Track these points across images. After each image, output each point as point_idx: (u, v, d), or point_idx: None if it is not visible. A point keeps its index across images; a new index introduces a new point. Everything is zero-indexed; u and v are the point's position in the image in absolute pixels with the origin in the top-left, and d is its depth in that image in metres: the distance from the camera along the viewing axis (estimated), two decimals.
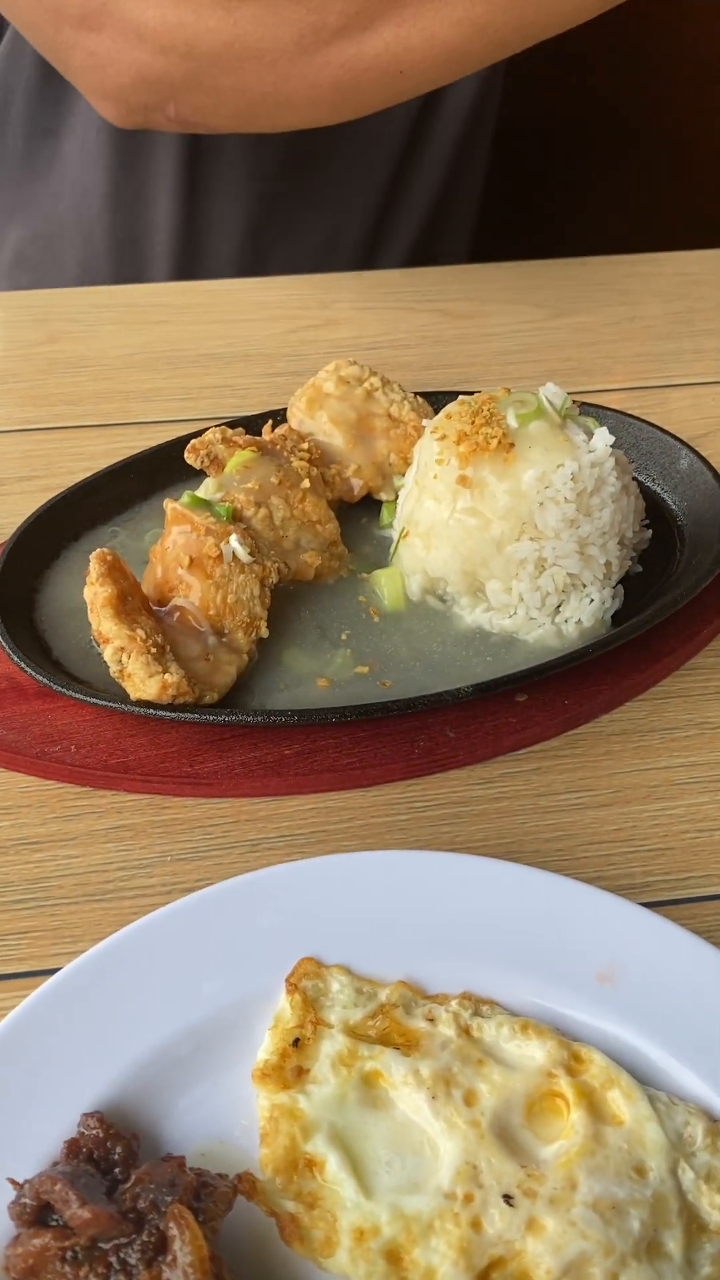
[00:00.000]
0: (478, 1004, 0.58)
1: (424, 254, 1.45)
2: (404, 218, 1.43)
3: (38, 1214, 0.49)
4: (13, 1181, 0.50)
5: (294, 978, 0.58)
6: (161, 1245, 0.47)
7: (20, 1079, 0.54)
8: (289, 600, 0.81)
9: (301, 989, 0.58)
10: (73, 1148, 0.51)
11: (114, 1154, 0.51)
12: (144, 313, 1.21)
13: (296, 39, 0.89)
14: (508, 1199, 0.51)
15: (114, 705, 0.71)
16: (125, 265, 1.38)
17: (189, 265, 1.38)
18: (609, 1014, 0.57)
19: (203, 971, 0.58)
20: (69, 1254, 0.47)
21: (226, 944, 0.59)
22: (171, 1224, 0.47)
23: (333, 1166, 0.52)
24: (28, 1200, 0.49)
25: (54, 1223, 0.49)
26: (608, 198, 1.76)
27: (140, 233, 1.37)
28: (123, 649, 0.69)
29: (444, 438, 0.78)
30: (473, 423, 0.77)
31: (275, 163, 1.32)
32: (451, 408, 0.80)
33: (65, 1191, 0.48)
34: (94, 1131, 0.51)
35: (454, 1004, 0.58)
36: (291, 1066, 0.56)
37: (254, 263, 1.39)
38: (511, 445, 0.75)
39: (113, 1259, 0.47)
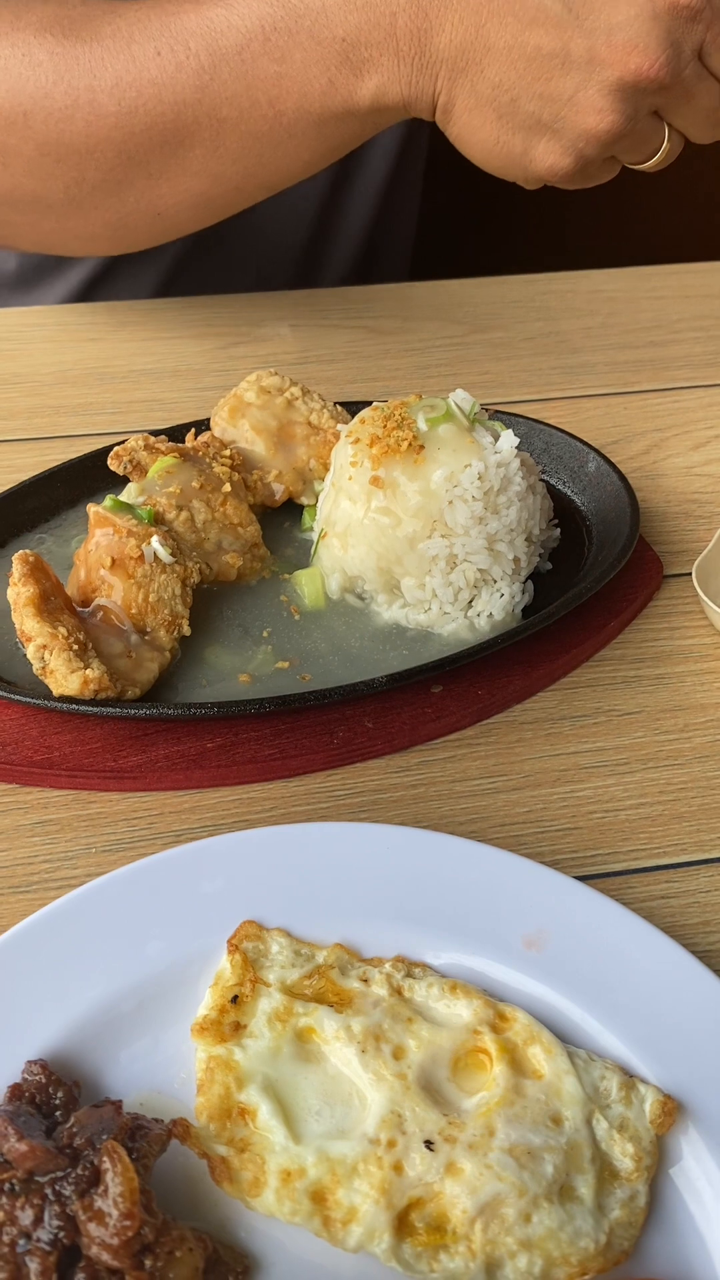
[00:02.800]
0: (410, 966, 0.61)
1: (359, 282, 1.49)
2: (335, 256, 1.47)
3: None
4: None
5: (235, 939, 0.61)
6: (95, 1178, 0.49)
7: None
8: (212, 600, 0.84)
9: (242, 950, 0.60)
10: (15, 1091, 0.53)
11: (55, 1099, 0.53)
12: (77, 330, 1.23)
13: (64, 190, 1.00)
14: (429, 1144, 0.54)
15: (36, 701, 0.72)
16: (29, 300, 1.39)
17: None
18: (535, 977, 0.60)
19: (148, 932, 0.60)
20: (6, 1186, 0.49)
21: (171, 907, 0.62)
22: (105, 1158, 0.49)
23: (264, 1114, 0.55)
24: None
25: None
26: (540, 218, 1.81)
27: (47, 281, 1.38)
28: (45, 646, 0.71)
29: (358, 441, 0.81)
30: (385, 426, 0.80)
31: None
32: (365, 413, 0.83)
33: (4, 1127, 0.50)
34: (37, 1077, 0.54)
35: (387, 966, 0.61)
36: (229, 1021, 0.58)
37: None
38: (421, 447, 0.78)
39: (48, 1191, 0.49)
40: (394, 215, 1.48)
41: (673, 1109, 0.56)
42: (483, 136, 0.91)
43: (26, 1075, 0.54)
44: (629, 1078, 0.57)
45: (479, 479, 0.78)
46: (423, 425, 0.79)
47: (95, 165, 0.98)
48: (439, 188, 1.61)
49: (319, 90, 0.91)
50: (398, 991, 0.60)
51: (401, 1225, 0.53)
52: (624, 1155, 0.55)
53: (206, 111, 0.94)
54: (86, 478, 0.93)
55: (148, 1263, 0.48)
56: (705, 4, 0.81)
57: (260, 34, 0.91)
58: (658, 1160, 0.56)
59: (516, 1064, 0.57)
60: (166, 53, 0.93)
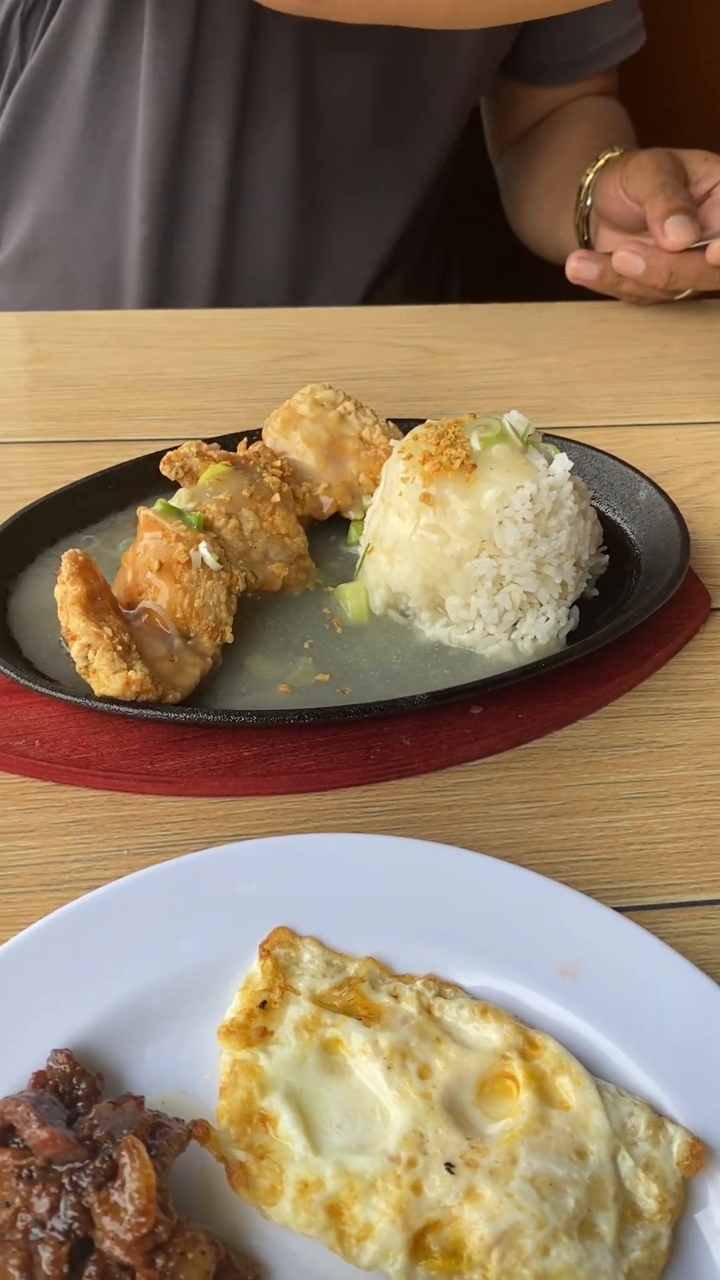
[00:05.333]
0: (441, 986, 0.61)
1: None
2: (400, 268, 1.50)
3: (0, 1135, 0.51)
4: None
5: (268, 944, 0.60)
6: (112, 1172, 0.49)
7: None
8: (255, 609, 0.84)
9: (274, 955, 0.60)
10: (39, 1079, 0.54)
11: (78, 1089, 0.53)
12: (131, 337, 1.25)
13: None
14: (449, 1167, 0.53)
15: (78, 700, 0.72)
16: (145, 296, 1.41)
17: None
18: (567, 1006, 0.59)
19: (182, 931, 0.60)
20: (24, 1172, 0.49)
21: (206, 907, 0.61)
22: (123, 1152, 0.49)
23: (285, 1123, 0.54)
24: None
25: (15, 1145, 0.51)
26: None
27: (171, 272, 1.40)
28: (89, 645, 0.71)
29: (410, 457, 0.81)
30: (438, 444, 0.80)
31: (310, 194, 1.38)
32: (419, 430, 0.83)
33: (27, 1113, 0.50)
34: (61, 1066, 0.54)
35: (418, 984, 0.60)
36: (256, 1026, 0.58)
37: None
38: (474, 466, 0.78)
39: (65, 1180, 0.49)
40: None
41: (701, 1152, 0.54)
42: None
43: (52, 1064, 0.54)
44: (658, 1116, 0.56)
45: (530, 501, 0.77)
46: (476, 444, 0.79)
47: None
48: (497, 214, 1.62)
49: None
50: (427, 1010, 0.60)
51: (417, 1247, 0.52)
52: (648, 1195, 0.54)
53: None
54: (137, 482, 0.93)
55: (159, 1261, 0.48)
56: None
57: None
58: (683, 1203, 0.54)
59: (544, 1093, 0.57)
60: None
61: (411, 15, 0.99)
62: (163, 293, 1.41)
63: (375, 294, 1.49)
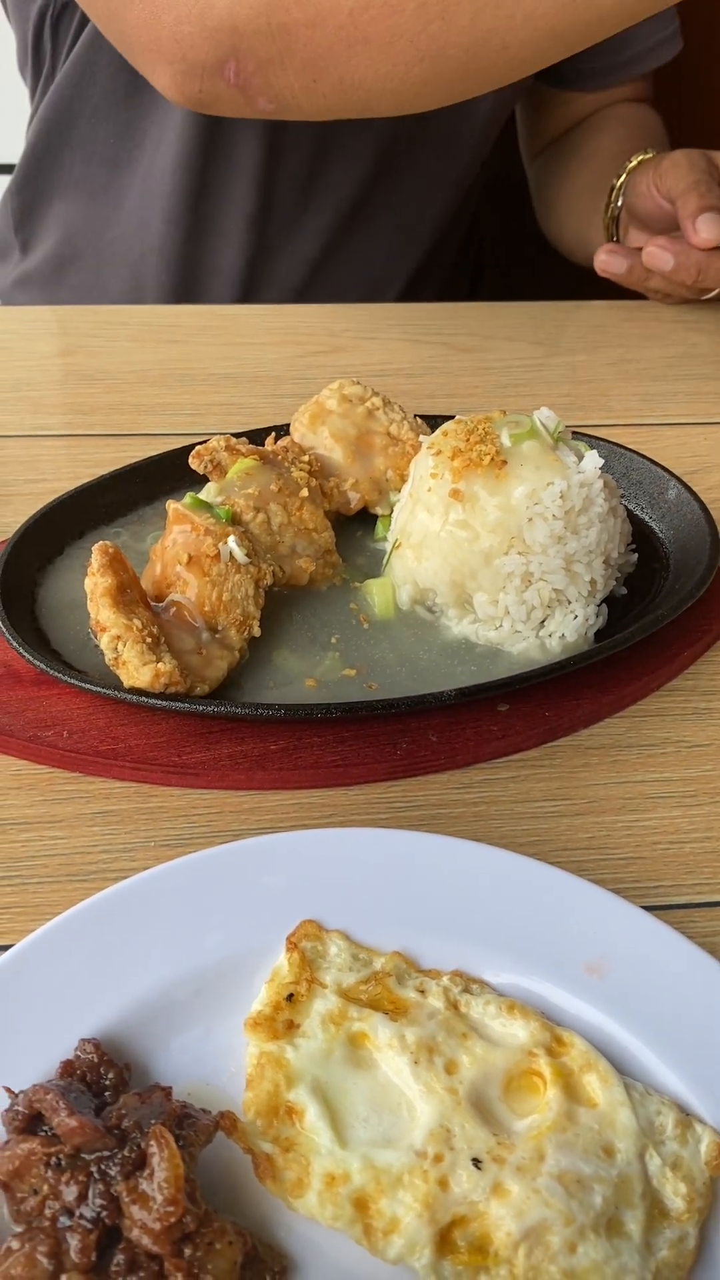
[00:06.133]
0: (468, 982, 0.60)
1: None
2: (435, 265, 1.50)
3: (29, 1122, 0.51)
4: (8, 1089, 0.53)
5: (295, 937, 0.60)
6: (141, 1161, 0.49)
7: (27, 999, 0.57)
8: (283, 603, 0.84)
9: (301, 948, 0.60)
10: (68, 1068, 0.54)
11: (106, 1079, 0.54)
12: (159, 332, 1.25)
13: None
14: (476, 1162, 0.53)
15: (107, 692, 0.73)
16: (172, 300, 1.42)
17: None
18: (594, 1004, 0.59)
19: (209, 922, 0.61)
20: (53, 1160, 0.49)
21: (234, 899, 0.62)
22: (152, 1142, 0.49)
23: (312, 1115, 0.54)
24: (20, 1109, 0.51)
25: (43, 1132, 0.51)
26: None
27: (199, 272, 1.40)
28: (119, 637, 0.71)
29: (439, 453, 0.81)
30: (467, 440, 0.80)
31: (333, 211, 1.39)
32: (448, 425, 0.83)
33: (56, 1101, 0.50)
34: (89, 1056, 0.54)
35: (445, 979, 0.60)
36: (283, 1019, 0.58)
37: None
38: (504, 462, 0.78)
39: (93, 1169, 0.49)
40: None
41: None
42: None
43: (80, 1053, 0.55)
44: (685, 1116, 0.56)
45: (561, 498, 0.77)
46: (506, 441, 0.79)
47: None
48: (526, 209, 1.62)
49: None
50: (454, 1006, 0.59)
51: (443, 1242, 0.52)
52: (675, 1195, 0.54)
53: None
54: (166, 476, 0.93)
55: (187, 1251, 0.48)
56: None
57: None
58: (711, 1203, 0.54)
59: (571, 1090, 0.56)
60: None
61: (364, 112, 0.98)
62: (190, 296, 1.41)
63: (407, 298, 1.48)
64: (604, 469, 0.81)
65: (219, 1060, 0.57)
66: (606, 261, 1.24)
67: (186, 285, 1.40)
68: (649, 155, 1.31)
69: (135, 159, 1.35)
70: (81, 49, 1.30)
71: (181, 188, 1.33)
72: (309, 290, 1.42)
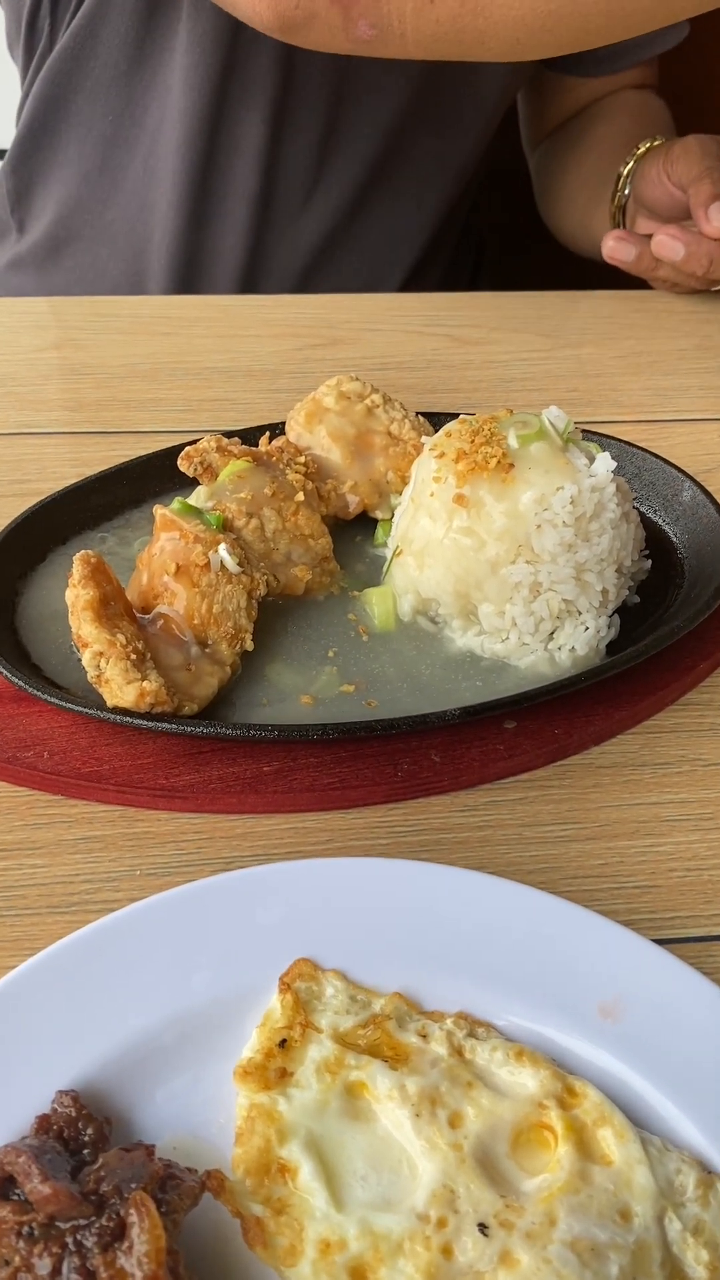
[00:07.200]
0: (473, 1025, 0.57)
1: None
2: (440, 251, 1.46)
3: (0, 1185, 0.48)
4: None
5: (288, 977, 0.57)
6: (120, 1231, 0.46)
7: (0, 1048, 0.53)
8: (277, 614, 0.80)
9: (294, 990, 0.56)
10: (44, 1124, 0.50)
11: (84, 1135, 0.50)
12: (150, 324, 1.21)
13: None
14: (483, 1228, 0.49)
15: (89, 711, 0.69)
16: (174, 285, 1.38)
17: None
18: (609, 1050, 0.56)
19: (196, 961, 0.57)
20: (25, 1229, 0.46)
21: (223, 935, 0.58)
22: (132, 1210, 0.46)
23: (306, 1174, 0.51)
24: None
25: (15, 1197, 0.47)
26: None
27: (202, 258, 1.37)
28: (101, 654, 0.67)
29: (442, 455, 0.76)
30: (472, 441, 0.75)
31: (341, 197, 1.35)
32: (452, 426, 0.79)
33: (29, 1165, 0.47)
34: (67, 1110, 0.51)
35: (449, 1022, 0.57)
36: (275, 1067, 0.54)
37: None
38: (511, 465, 0.74)
39: (69, 1240, 0.46)
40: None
41: None
42: None
43: (57, 1107, 0.51)
44: (708, 1174, 0.52)
45: (571, 503, 0.73)
46: (513, 442, 0.75)
47: None
48: (526, 197, 1.58)
49: None
50: (458, 1052, 0.56)
51: None
52: (697, 1262, 0.50)
53: None
54: (154, 477, 0.89)
55: None
56: None
57: None
58: None
59: (584, 1146, 0.53)
60: None
61: (473, 48, 0.88)
62: (191, 280, 1.37)
63: (409, 287, 1.45)
64: (615, 470, 0.76)
65: (207, 1111, 0.54)
66: (615, 248, 1.20)
67: (188, 269, 1.37)
68: (657, 142, 1.27)
69: (135, 138, 1.31)
70: (82, 20, 1.26)
71: (184, 169, 1.29)
72: (311, 276, 1.39)
